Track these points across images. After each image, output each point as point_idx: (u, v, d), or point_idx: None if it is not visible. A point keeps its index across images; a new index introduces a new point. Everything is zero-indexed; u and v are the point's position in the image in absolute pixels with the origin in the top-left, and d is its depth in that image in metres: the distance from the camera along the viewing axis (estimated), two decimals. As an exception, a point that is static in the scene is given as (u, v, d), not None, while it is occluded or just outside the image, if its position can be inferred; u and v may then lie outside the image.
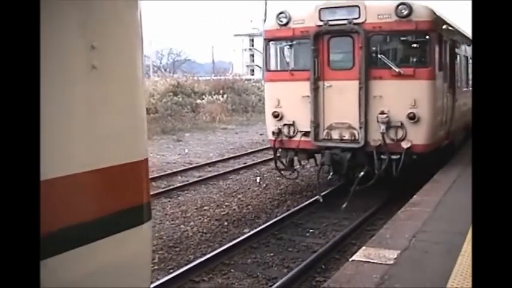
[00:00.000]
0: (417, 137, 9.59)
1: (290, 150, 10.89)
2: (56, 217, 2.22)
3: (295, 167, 11.53)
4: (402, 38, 10.00)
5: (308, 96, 10.20)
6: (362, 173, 9.82)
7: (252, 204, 10.85)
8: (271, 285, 6.61)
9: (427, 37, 9.65)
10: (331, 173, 10.37)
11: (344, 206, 9.64)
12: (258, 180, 13.04)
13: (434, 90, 9.81)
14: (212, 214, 10.01)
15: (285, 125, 10.61)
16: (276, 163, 11.25)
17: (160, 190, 12.03)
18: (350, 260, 5.31)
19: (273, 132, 10.72)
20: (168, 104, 28.81)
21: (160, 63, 53.24)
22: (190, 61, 57.10)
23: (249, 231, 8.78)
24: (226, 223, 9.45)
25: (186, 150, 18.77)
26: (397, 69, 9.52)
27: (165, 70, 41.95)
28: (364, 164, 9.90)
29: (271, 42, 11.15)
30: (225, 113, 29.01)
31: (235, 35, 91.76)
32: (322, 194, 10.56)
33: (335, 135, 10.19)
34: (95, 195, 2.47)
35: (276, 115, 10.66)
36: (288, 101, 10.58)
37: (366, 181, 9.85)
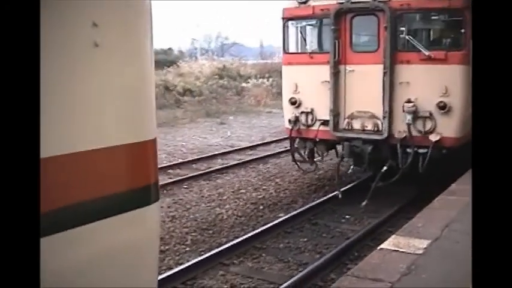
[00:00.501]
0: (447, 129, 8.60)
1: (308, 141, 9.99)
2: (56, 195, 2.22)
3: (316, 159, 10.62)
4: (433, 17, 9.06)
5: (328, 81, 9.34)
6: (385, 168, 8.98)
7: (290, 188, 10.77)
8: (301, 271, 6.55)
9: (462, 16, 8.42)
10: (351, 166, 9.80)
11: (363, 204, 9.05)
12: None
13: (468, 77, 8.29)
14: (248, 197, 10.00)
15: (302, 112, 9.75)
16: (293, 155, 10.36)
17: (199, 172, 12.09)
18: (378, 248, 5.18)
19: (289, 121, 9.88)
20: (213, 86, 28.91)
21: (209, 46, 53.31)
22: (238, 45, 56.95)
23: (284, 216, 8.72)
24: (261, 207, 9.42)
25: (229, 133, 18.81)
26: (426, 53, 8.49)
27: (213, 53, 42.05)
28: (387, 157, 9.02)
29: (289, 22, 10.14)
30: (270, 97, 28.87)
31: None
32: (343, 189, 9.81)
33: (356, 125, 9.29)
34: (97, 174, 2.45)
35: (293, 102, 9.81)
36: (307, 87, 9.73)
37: (390, 177, 9.00)
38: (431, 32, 9.45)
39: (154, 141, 2.78)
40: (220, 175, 12.03)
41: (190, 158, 13.93)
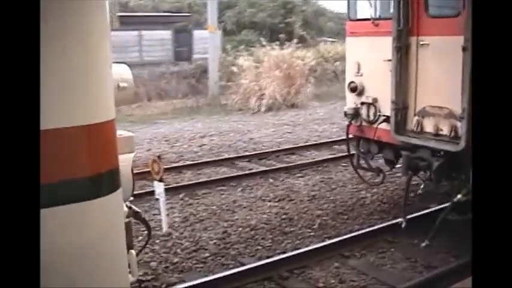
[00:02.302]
0: None
1: (372, 143, 7.25)
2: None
3: (382, 168, 7.73)
4: None
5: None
6: (459, 196, 5.92)
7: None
8: (422, 274, 5.67)
9: None
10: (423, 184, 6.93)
11: (424, 244, 6.20)
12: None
13: None
14: (401, 182, 9.03)
15: (363, 103, 7.10)
16: (351, 161, 7.74)
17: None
18: None
19: (345, 113, 7.36)
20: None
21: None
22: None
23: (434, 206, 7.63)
24: (412, 195, 8.41)
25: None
26: None
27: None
28: (465, 178, 5.96)
29: None
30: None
31: None
32: (409, 216, 6.73)
33: (428, 126, 6.30)
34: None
35: (353, 88, 7.15)
36: (370, 67, 7.01)
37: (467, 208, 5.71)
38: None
39: (110, 123, 2.40)
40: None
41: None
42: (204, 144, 12.62)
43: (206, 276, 5.73)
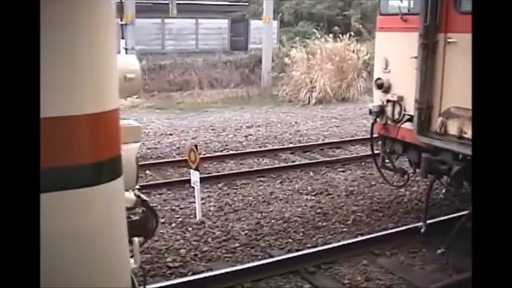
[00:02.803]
0: None
1: (396, 143, 6.99)
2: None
3: (406, 169, 7.52)
4: None
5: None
6: None
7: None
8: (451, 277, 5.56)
9: None
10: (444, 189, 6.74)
11: (439, 251, 6.02)
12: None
13: None
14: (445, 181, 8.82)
15: (388, 101, 6.84)
16: (375, 160, 7.53)
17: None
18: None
19: (370, 111, 7.16)
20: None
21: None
22: None
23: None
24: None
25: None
26: None
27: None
28: None
29: None
30: None
31: None
32: (430, 221, 6.44)
33: (452, 128, 6.02)
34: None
35: (379, 84, 6.94)
36: (397, 64, 6.77)
37: None
38: None
39: (114, 112, 2.48)
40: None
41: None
42: (250, 135, 12.70)
43: (233, 266, 5.81)
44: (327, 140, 12.18)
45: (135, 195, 2.94)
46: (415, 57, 6.27)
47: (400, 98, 6.69)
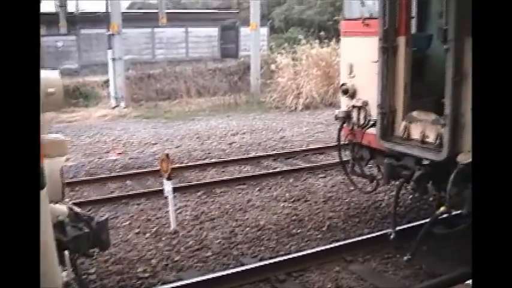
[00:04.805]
0: None
1: (364, 148, 6.94)
2: None
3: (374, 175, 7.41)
4: None
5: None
6: (442, 209, 5.44)
7: None
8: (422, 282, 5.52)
9: None
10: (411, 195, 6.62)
11: (406, 258, 5.81)
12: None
13: None
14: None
15: (354, 106, 6.75)
16: (343, 164, 7.52)
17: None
18: None
19: (336, 117, 7.07)
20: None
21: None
22: None
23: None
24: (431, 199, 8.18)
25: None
26: None
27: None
28: (452, 191, 5.31)
29: None
30: None
31: None
32: (398, 228, 6.28)
33: (415, 132, 5.94)
34: None
35: (344, 90, 6.85)
36: (361, 68, 6.64)
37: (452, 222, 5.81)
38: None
39: None
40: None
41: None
42: (234, 142, 12.68)
43: (203, 275, 5.77)
44: (311, 146, 12.15)
45: (68, 208, 2.92)
46: (376, 62, 6.19)
47: (365, 103, 6.62)
